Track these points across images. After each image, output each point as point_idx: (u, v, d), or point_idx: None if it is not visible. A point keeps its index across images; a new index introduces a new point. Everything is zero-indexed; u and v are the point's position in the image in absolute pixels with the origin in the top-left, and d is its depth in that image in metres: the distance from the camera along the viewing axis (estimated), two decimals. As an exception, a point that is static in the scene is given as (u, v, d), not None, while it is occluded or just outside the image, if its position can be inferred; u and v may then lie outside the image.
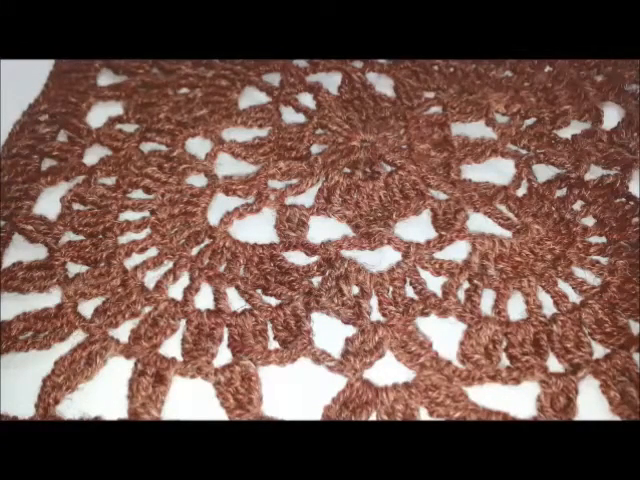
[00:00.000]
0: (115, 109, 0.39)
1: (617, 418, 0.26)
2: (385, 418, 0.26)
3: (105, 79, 0.41)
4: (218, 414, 0.26)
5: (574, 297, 0.30)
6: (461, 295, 0.30)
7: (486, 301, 0.30)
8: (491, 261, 0.31)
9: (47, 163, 0.37)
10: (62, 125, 0.38)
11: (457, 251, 0.32)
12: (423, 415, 0.26)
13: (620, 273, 0.30)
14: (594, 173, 0.35)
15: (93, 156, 0.37)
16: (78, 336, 0.28)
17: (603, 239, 0.32)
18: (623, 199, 0.34)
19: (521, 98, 0.39)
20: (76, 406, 0.26)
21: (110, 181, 0.35)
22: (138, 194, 0.35)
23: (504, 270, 0.31)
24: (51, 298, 0.30)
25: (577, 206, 0.34)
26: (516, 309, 0.30)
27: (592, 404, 0.27)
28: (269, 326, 0.29)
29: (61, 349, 0.28)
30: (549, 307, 0.30)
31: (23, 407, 0.26)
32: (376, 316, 0.29)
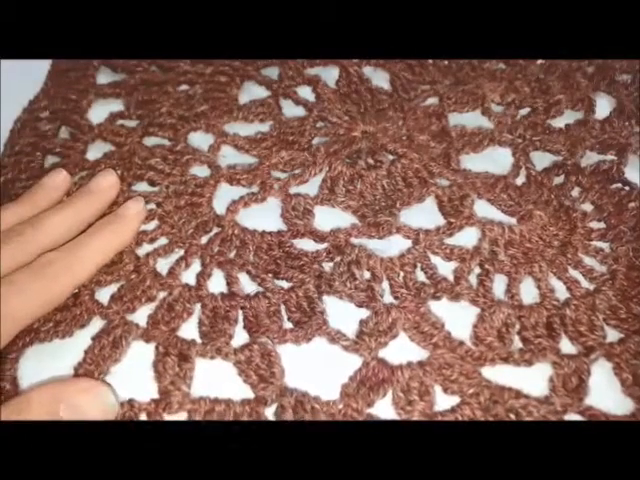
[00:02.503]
0: (115, 106, 0.39)
1: (629, 399, 0.27)
2: (401, 396, 0.26)
3: (104, 77, 0.41)
4: (242, 390, 0.27)
5: (585, 284, 0.30)
6: (472, 280, 0.31)
7: (498, 285, 0.30)
8: (501, 247, 0.32)
9: (50, 160, 0.36)
10: (63, 122, 0.38)
11: (466, 237, 0.32)
12: (438, 392, 0.27)
13: (624, 260, 0.31)
14: (590, 159, 0.36)
15: (96, 152, 0.36)
16: (97, 322, 0.29)
17: (602, 224, 0.33)
18: (619, 184, 0.35)
19: (515, 88, 0.40)
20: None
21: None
22: (143, 187, 0.35)
23: (515, 256, 0.31)
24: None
25: (575, 193, 0.35)
26: (529, 294, 0.30)
27: (604, 385, 0.27)
28: (282, 308, 0.29)
29: (82, 337, 0.28)
30: (561, 292, 0.30)
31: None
32: (388, 299, 0.30)
